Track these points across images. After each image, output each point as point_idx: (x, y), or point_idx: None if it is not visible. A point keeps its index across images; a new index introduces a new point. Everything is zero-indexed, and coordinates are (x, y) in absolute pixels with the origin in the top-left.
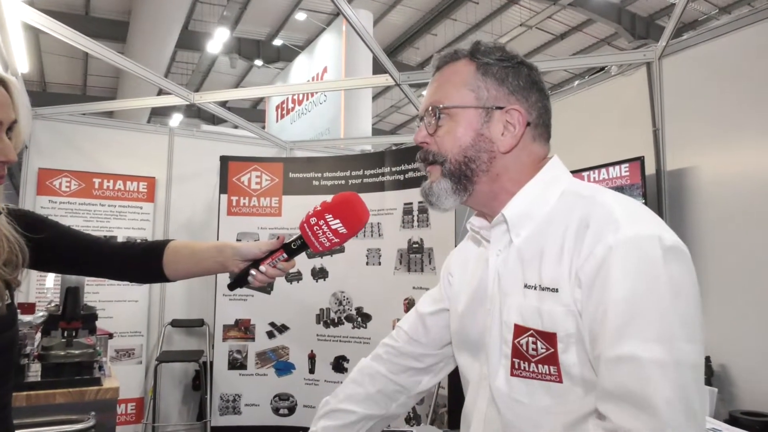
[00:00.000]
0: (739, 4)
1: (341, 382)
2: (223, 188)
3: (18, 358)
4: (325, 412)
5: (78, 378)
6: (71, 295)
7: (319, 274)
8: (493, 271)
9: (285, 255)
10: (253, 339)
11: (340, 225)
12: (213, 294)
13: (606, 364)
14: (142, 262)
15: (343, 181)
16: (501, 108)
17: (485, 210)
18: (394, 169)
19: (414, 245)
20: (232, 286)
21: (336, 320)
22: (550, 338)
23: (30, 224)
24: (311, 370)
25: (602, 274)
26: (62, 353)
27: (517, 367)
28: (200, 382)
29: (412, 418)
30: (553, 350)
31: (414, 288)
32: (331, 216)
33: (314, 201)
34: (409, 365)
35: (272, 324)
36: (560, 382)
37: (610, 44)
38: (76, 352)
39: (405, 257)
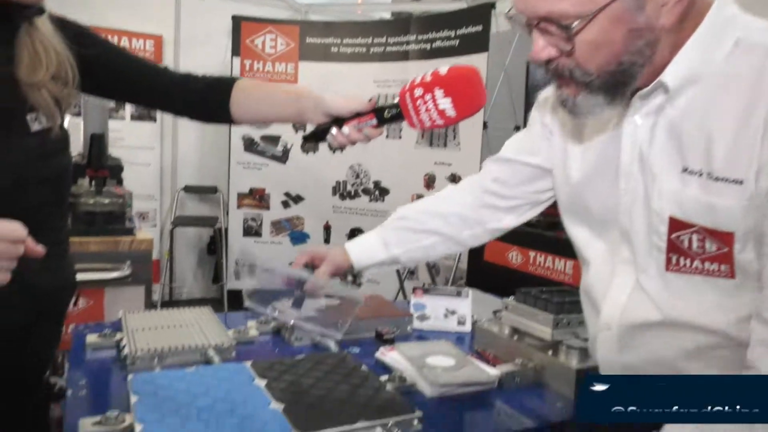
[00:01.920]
0: None
1: None
2: (236, 51)
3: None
4: (397, 216)
5: (110, 227)
6: (96, 142)
7: None
8: (629, 142)
9: (375, 121)
10: (267, 208)
11: (450, 106)
12: (227, 161)
13: None
14: (206, 97)
15: (363, 49)
16: None
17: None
18: (420, 37)
19: None
20: (309, 139)
21: (353, 193)
22: (725, 238)
23: (75, 36)
24: (326, 240)
25: None
26: (92, 201)
27: (675, 262)
28: (215, 247)
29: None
30: (727, 249)
31: (435, 164)
32: (442, 92)
33: (332, 69)
34: (492, 203)
35: (287, 194)
36: (732, 278)
37: None
38: (106, 201)
39: (427, 130)
